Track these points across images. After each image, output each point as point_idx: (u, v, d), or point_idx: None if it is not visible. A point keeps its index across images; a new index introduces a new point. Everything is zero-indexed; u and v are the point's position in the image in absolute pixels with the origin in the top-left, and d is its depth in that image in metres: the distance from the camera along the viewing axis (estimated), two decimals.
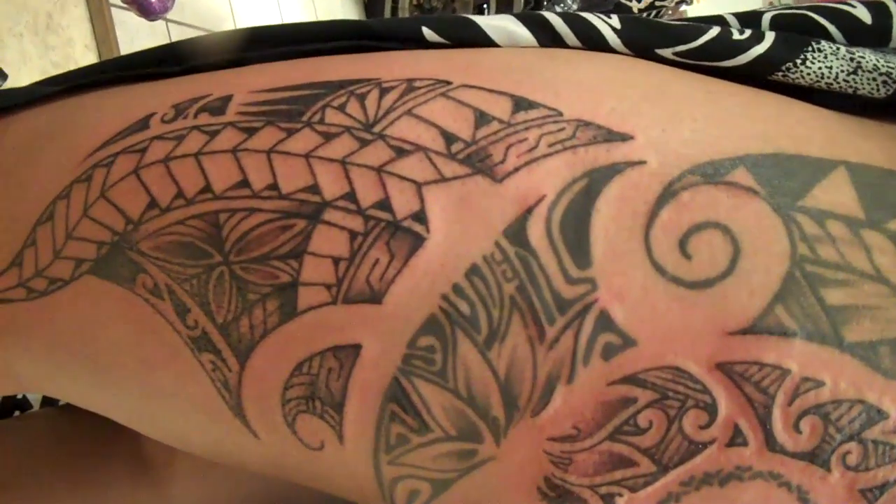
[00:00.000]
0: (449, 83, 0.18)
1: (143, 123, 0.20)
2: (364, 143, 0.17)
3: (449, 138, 0.17)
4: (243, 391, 0.19)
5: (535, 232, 0.16)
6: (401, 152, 0.17)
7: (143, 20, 0.87)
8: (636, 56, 0.20)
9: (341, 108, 0.18)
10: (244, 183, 0.18)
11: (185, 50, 0.24)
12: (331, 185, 0.17)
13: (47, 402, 0.40)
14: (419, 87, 0.18)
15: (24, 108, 0.24)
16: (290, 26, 0.22)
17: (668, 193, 0.16)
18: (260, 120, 0.18)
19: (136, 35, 0.97)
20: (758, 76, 0.19)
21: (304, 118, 0.18)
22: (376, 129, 0.17)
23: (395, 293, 0.17)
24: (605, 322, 0.16)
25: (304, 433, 0.18)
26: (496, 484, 0.17)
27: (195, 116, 0.19)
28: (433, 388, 0.17)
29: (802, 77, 0.19)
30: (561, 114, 0.17)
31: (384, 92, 0.18)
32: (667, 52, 0.20)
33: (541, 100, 0.17)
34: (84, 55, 0.90)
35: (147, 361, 0.20)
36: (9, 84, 0.72)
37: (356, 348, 0.17)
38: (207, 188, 0.18)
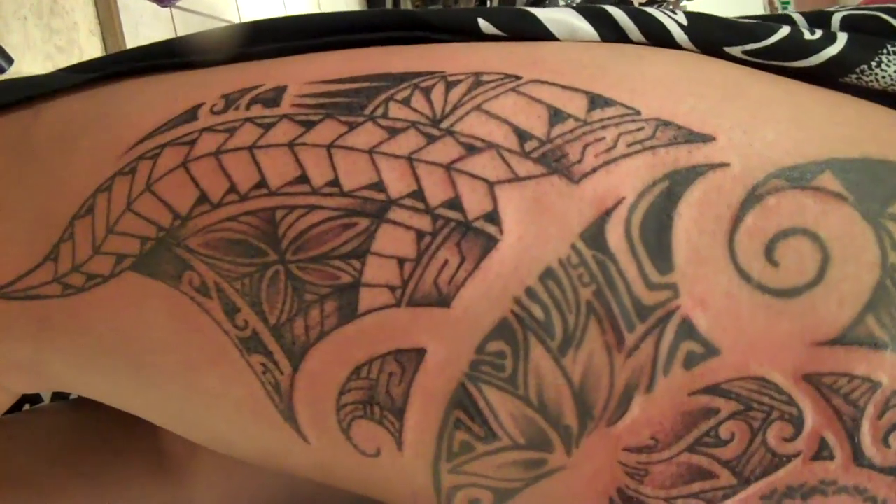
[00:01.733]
0: (518, 78, 0.17)
1: (191, 114, 0.19)
2: (431, 140, 0.17)
3: (522, 136, 0.16)
4: (295, 395, 0.18)
5: (614, 235, 0.15)
6: (471, 149, 0.16)
7: (146, 4, 0.85)
8: (703, 54, 0.19)
9: (405, 101, 0.17)
10: (303, 178, 0.17)
11: (223, 38, 0.23)
12: (396, 183, 0.16)
13: (58, 395, 0.39)
14: (487, 82, 0.17)
15: (53, 96, 0.23)
16: (336, 15, 0.22)
17: (752, 197, 0.15)
18: (318, 113, 0.18)
19: (139, 20, 0.96)
20: (829, 78, 0.19)
21: (367, 112, 0.17)
22: (444, 124, 0.17)
23: (465, 296, 0.16)
24: (688, 330, 0.15)
25: (360, 439, 0.18)
26: (564, 494, 0.16)
27: (247, 108, 0.18)
28: (502, 395, 0.16)
29: (877, 80, 0.18)
30: (639, 112, 0.16)
31: (451, 86, 0.17)
32: (735, 51, 0.19)
33: (617, 97, 0.16)
34: (88, 40, 0.88)
35: (191, 362, 0.19)
36: (14, 69, 0.70)
37: (420, 353, 0.17)
38: (262, 183, 0.17)
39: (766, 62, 0.19)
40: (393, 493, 0.19)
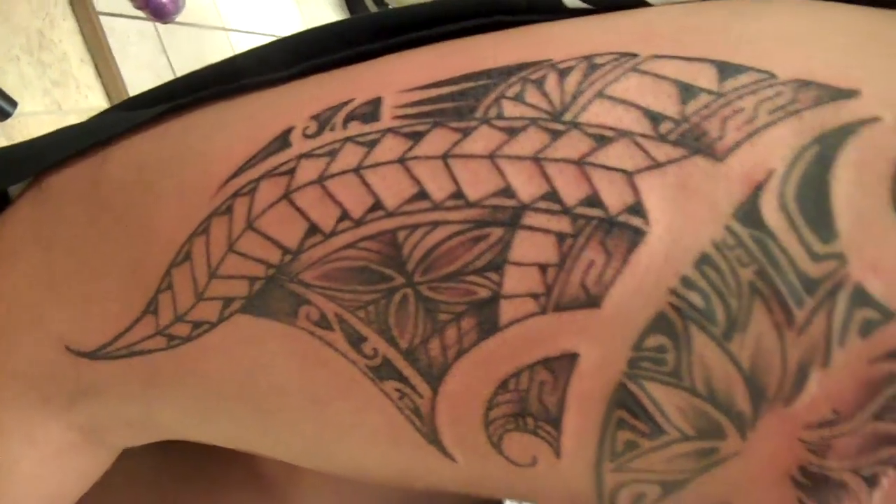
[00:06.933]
0: (635, 55, 0.16)
1: (283, 141, 0.18)
2: (556, 135, 0.16)
3: (655, 118, 0.15)
4: (437, 417, 0.17)
5: (770, 210, 0.15)
6: (602, 140, 0.15)
7: (131, 24, 0.83)
8: None
9: (519, 97, 0.16)
10: (422, 195, 0.16)
11: (285, 52, 0.22)
12: (526, 186, 0.16)
13: None
14: (602, 64, 0.16)
15: (115, 140, 0.22)
16: (408, 10, 0.20)
17: None
18: (424, 122, 0.17)
19: (126, 41, 0.94)
20: None
21: (478, 114, 0.16)
22: (567, 117, 0.16)
23: (616, 294, 0.15)
24: (861, 297, 0.14)
25: (512, 452, 0.17)
26: (739, 478, 0.16)
27: (344, 126, 0.18)
28: (667, 390, 0.16)
29: None
30: (774, 76, 0.15)
31: (563, 74, 0.16)
32: None
33: (746, 62, 0.16)
34: (80, 69, 0.86)
35: (319, 397, 0.19)
36: (17, 110, 0.68)
37: (572, 357, 0.16)
38: (378, 205, 0.17)
39: None
40: (548, 498, 0.19)
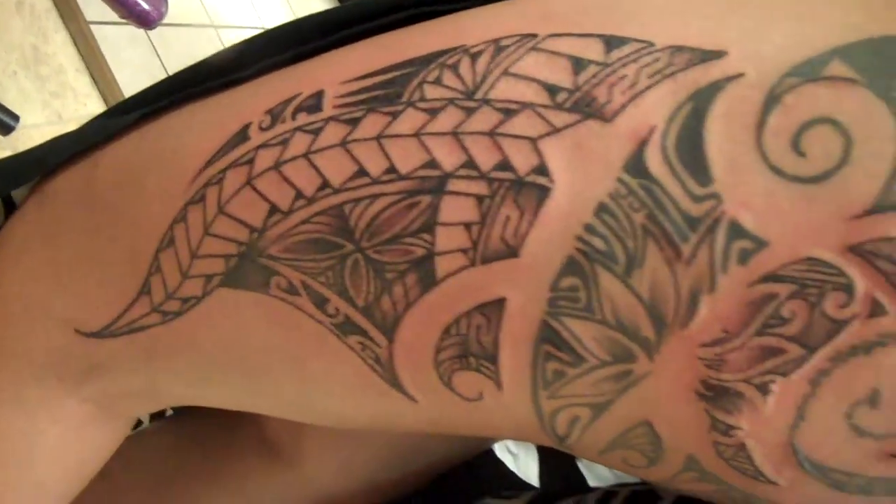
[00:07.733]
0: (534, 36, 0.18)
1: (242, 135, 0.21)
2: (470, 112, 0.18)
3: (552, 90, 0.18)
4: (395, 362, 0.20)
5: (654, 162, 0.17)
6: (508, 113, 0.18)
7: (122, 30, 0.86)
8: None
9: (438, 81, 0.19)
10: (361, 172, 0.19)
11: (246, 52, 0.24)
12: (448, 157, 0.18)
13: (156, 415, 0.42)
14: (507, 46, 0.18)
15: (104, 145, 0.25)
16: (354, 6, 0.23)
17: (771, 100, 0.17)
18: (360, 109, 0.19)
19: (118, 47, 0.96)
20: None
21: (404, 99, 0.19)
22: (478, 95, 0.18)
23: (531, 244, 0.18)
24: (737, 230, 0.17)
25: (462, 388, 0.20)
26: (654, 395, 0.18)
27: (293, 118, 0.20)
28: (582, 323, 0.18)
29: None
30: (653, 44, 0.17)
31: (475, 58, 0.19)
32: None
33: (629, 34, 0.18)
34: (77, 79, 0.89)
35: (295, 356, 0.21)
36: (20, 125, 0.72)
37: (500, 302, 0.18)
38: (326, 184, 0.19)
39: None
40: (498, 428, 0.21)
